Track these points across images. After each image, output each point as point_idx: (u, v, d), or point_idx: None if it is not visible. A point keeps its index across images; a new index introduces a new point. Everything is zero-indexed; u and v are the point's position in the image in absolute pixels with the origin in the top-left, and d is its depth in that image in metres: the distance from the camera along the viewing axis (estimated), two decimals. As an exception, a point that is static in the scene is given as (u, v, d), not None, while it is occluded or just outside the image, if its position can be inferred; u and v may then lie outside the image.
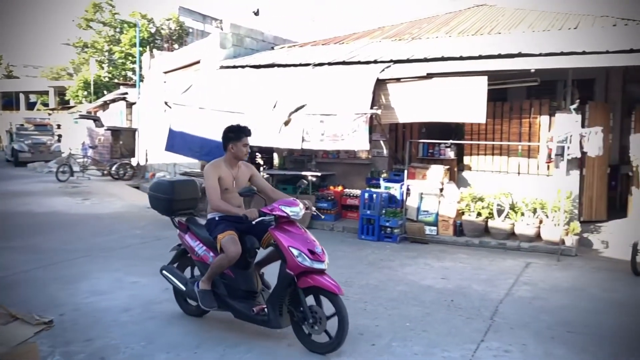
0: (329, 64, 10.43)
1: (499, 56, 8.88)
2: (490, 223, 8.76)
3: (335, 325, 4.09)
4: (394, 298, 5.87)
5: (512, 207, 8.79)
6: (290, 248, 4.08)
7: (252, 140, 9.64)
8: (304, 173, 10.66)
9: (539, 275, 6.89)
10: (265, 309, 4.31)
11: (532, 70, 8.42)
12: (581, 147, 8.45)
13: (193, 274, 5.04)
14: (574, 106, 8.68)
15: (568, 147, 8.41)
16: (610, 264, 7.53)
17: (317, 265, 4.08)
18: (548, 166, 9.20)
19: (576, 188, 8.83)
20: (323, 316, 4.13)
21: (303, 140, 9.18)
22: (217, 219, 4.56)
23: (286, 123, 9.33)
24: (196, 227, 4.81)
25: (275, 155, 12.30)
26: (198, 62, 13.28)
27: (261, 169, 11.81)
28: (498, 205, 8.80)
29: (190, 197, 5.14)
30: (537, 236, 8.46)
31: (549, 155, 8.93)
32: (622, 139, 10.34)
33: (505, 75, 8.93)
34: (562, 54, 8.41)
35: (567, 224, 8.24)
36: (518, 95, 10.60)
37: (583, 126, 8.79)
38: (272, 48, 13.56)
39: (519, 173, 9.54)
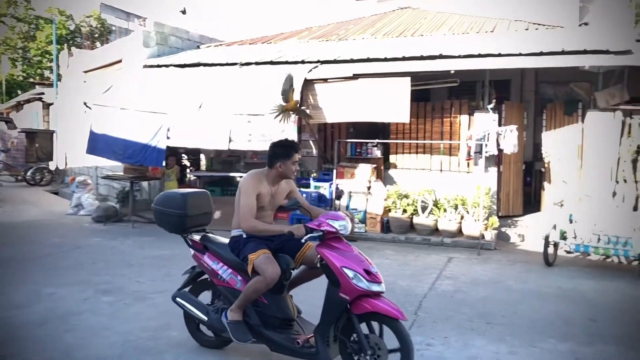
0: (257, 63, 10.35)
1: (421, 58, 9.16)
2: (415, 219, 9.03)
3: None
4: (321, 297, 5.89)
5: (436, 204, 9.10)
6: (343, 269, 3.51)
7: (177, 142, 9.66)
8: (232, 174, 10.53)
9: (461, 269, 7.17)
10: (310, 340, 3.73)
11: (452, 72, 8.76)
12: (498, 144, 8.89)
13: (213, 301, 4.33)
14: (491, 106, 9.11)
15: (486, 145, 8.83)
16: (525, 256, 7.97)
17: (375, 288, 3.51)
18: (468, 163, 9.60)
19: (494, 184, 9.28)
20: (384, 347, 3.54)
21: (230, 140, 9.06)
22: (244, 236, 3.98)
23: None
24: (216, 246, 4.16)
25: (202, 156, 12.06)
26: (120, 61, 12.78)
27: (188, 170, 11.55)
28: (422, 202, 9.08)
29: (205, 211, 4.41)
30: (459, 231, 8.81)
31: (469, 153, 9.32)
32: (536, 137, 10.97)
33: (428, 76, 9.23)
34: (479, 55, 8.80)
35: (487, 219, 8.64)
36: (440, 96, 11.00)
37: (500, 125, 9.25)
38: (198, 47, 13.29)
39: (441, 170, 9.89)
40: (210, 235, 4.31)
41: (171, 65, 11.09)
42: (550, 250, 7.34)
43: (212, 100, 9.52)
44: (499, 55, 8.71)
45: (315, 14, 15.76)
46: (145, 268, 7.05)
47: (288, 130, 8.92)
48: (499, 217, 9.13)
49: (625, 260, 7.28)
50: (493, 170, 9.32)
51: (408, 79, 8.87)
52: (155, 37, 12.21)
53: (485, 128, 9.00)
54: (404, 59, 9.26)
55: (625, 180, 8.67)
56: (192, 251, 4.28)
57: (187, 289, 4.39)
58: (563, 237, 7.42)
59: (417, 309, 5.54)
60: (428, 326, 5.05)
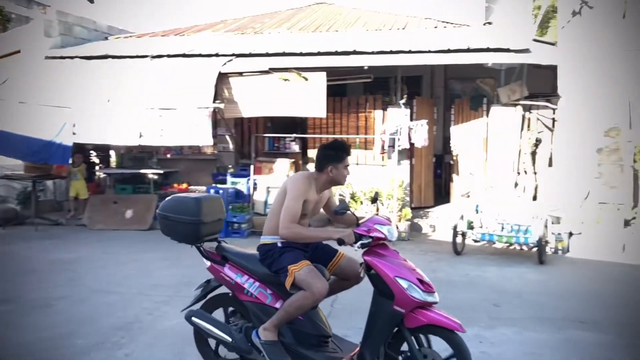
0: (169, 56, 10.00)
1: (336, 53, 9.27)
2: (334, 213, 9.12)
3: None
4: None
5: (353, 197, 9.26)
6: (397, 279, 3.21)
7: (83, 138, 9.15)
8: (143, 171, 10.13)
9: (376, 260, 7.34)
10: (354, 358, 3.45)
11: (366, 67, 8.95)
12: (410, 138, 9.18)
13: (228, 319, 3.86)
14: (403, 101, 9.38)
15: (398, 139, 9.09)
16: (436, 246, 8.30)
17: (430, 299, 3.23)
18: (383, 157, 9.84)
19: (407, 177, 9.59)
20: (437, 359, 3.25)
21: (140, 136, 8.71)
22: (279, 245, 3.54)
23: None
24: (237, 256, 3.72)
25: (112, 152, 11.51)
26: (18, 51, 11.86)
27: (97, 168, 10.98)
28: (339, 195, 9.20)
29: (218, 217, 3.93)
30: (375, 223, 9.00)
31: (383, 147, 9.56)
32: (445, 131, 11.44)
33: (343, 71, 9.36)
34: (391, 52, 9.05)
35: (400, 210, 8.91)
36: (356, 91, 11.19)
37: (411, 119, 9.55)
38: (106, 38, 12.61)
39: (357, 164, 10.07)
40: (226, 244, 3.85)
41: (76, 57, 10.45)
42: (459, 239, 7.69)
43: (121, 94, 9.10)
44: (410, 52, 9.00)
45: (230, 7, 15.48)
46: (48, 274, 6.61)
47: (202, 124, 8.71)
48: (411, 208, 9.45)
49: (526, 247, 7.76)
50: (406, 163, 9.62)
51: (324, 74, 8.96)
52: (58, 26, 11.45)
53: (398, 123, 9.26)
54: (319, 54, 9.33)
55: (525, 172, 9.27)
56: (208, 263, 3.77)
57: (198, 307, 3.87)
58: (470, 226, 7.80)
59: (334, 302, 5.58)
60: (344, 318, 5.11)
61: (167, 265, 6.99)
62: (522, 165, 9.30)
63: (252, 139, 9.87)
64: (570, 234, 7.94)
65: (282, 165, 9.56)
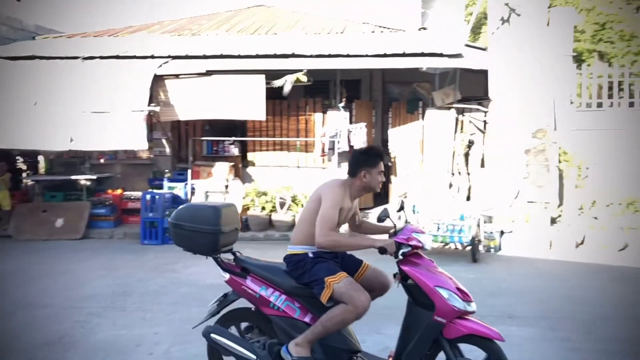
0: (101, 57, 9.65)
1: (275, 56, 9.26)
2: (274, 216, 9.11)
3: None
4: (176, 302, 5.70)
5: (294, 200, 9.26)
6: (437, 289, 3.12)
7: (7, 143, 8.65)
8: (75, 177, 9.72)
9: (317, 262, 7.36)
10: None
11: (305, 70, 8.99)
12: (349, 141, 9.30)
13: (243, 336, 3.61)
14: (342, 104, 9.49)
15: (338, 142, 9.19)
16: (376, 246, 8.41)
17: (470, 308, 3.15)
18: (323, 159, 9.91)
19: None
20: None
21: (71, 140, 8.36)
22: (311, 255, 3.38)
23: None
24: (260, 268, 3.49)
25: (41, 158, 10.97)
26: None
27: (24, 175, 10.44)
28: (280, 198, 9.18)
29: (235, 227, 3.70)
30: (316, 226, 9.04)
31: (323, 150, 9.63)
32: (384, 134, 11.63)
33: (283, 74, 9.36)
34: (330, 56, 9.13)
35: (341, 212, 8.98)
36: (296, 94, 11.19)
37: (351, 122, 9.68)
38: (34, 38, 12.03)
39: (298, 167, 10.09)
40: (242, 255, 3.63)
41: (0, 57, 9.90)
42: (397, 239, 7.82)
43: (50, 96, 8.71)
44: (348, 56, 9.13)
45: (168, 8, 15.12)
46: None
47: (137, 128, 8.46)
48: (352, 210, 9.53)
49: (461, 246, 8.01)
50: (346, 165, 9.69)
51: (262, 76, 8.93)
52: (-21, 24, 10.81)
53: (337, 125, 9.36)
54: (258, 56, 9.28)
55: (459, 173, 9.59)
56: (226, 276, 3.53)
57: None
58: (408, 226, 7.96)
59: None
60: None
61: (102, 275, 6.73)
62: (456, 166, 9.62)
63: (189, 143, 9.69)
64: (502, 233, 8.27)
65: (221, 169, 9.44)
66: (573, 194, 8.71)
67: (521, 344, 4.45)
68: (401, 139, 10.36)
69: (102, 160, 10.54)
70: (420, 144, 10.06)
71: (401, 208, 3.64)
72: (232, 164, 9.85)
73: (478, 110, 9.57)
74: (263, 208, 9.12)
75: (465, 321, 3.13)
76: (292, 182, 9.62)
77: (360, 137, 9.29)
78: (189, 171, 9.31)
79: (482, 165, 9.50)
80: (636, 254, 7.82)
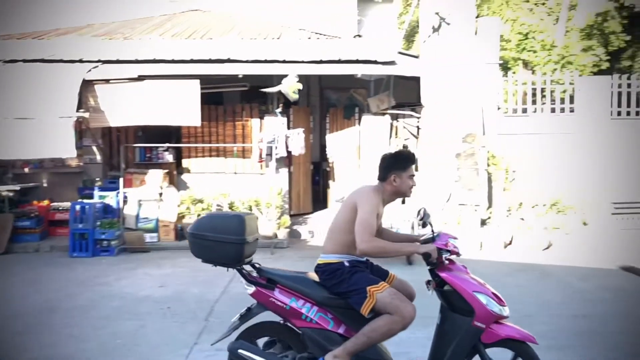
0: (25, 61, 9.17)
1: (210, 61, 9.14)
2: (211, 224, 8.95)
3: None
4: (107, 316, 5.49)
5: (231, 207, 9.15)
6: (476, 294, 3.15)
7: None
8: (-4, 187, 9.17)
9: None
10: None
11: (240, 76, 8.94)
12: (287, 147, 9.30)
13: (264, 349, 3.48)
14: (279, 110, 9.48)
15: (276, 147, 9.17)
16: (315, 251, 8.36)
17: (505, 312, 3.18)
18: (261, 165, 9.84)
19: (286, 184, 9.70)
20: None
21: (-9, 148, 7.89)
22: (347, 264, 3.29)
23: None
24: (287, 279, 3.38)
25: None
26: None
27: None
28: (217, 205, 9.06)
29: (256, 237, 3.59)
30: (254, 232, 8.98)
31: (261, 155, 9.58)
32: (322, 139, 11.73)
33: (219, 79, 9.27)
34: (266, 61, 9.11)
35: (279, 218, 8.97)
36: (233, 100, 11.09)
37: (288, 128, 9.68)
38: (-52, 39, 11.27)
39: (235, 173, 9.98)
40: (263, 266, 3.51)
41: None
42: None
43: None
44: (284, 61, 9.14)
45: (98, 11, 14.59)
46: None
47: (65, 135, 8.10)
48: (290, 215, 9.57)
49: (397, 248, 8.18)
50: (284, 171, 9.72)
51: (197, 81, 8.80)
52: None
53: (275, 131, 9.34)
54: (192, 61, 9.13)
55: (395, 177, 9.78)
56: (251, 288, 3.39)
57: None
58: (345, 231, 8.04)
59: (209, 315, 5.48)
60: (219, 331, 4.97)
61: (28, 292, 6.37)
62: (393, 170, 9.80)
63: (121, 150, 9.38)
64: (435, 234, 8.50)
65: (155, 177, 9.19)
66: (501, 196, 9.10)
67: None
68: (339, 144, 10.49)
69: (26, 170, 9.98)
70: (358, 149, 10.21)
71: (424, 224, 3.51)
72: (167, 171, 9.61)
73: (411, 116, 9.83)
74: (199, 216, 8.95)
75: (500, 325, 3.17)
76: (229, 189, 9.51)
77: (298, 142, 9.32)
78: (121, 179, 8.99)
79: (416, 170, 9.74)
80: (559, 253, 8.27)
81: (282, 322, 3.40)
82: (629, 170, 9.49)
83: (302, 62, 9.14)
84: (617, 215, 9.56)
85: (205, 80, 8.96)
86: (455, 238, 3.32)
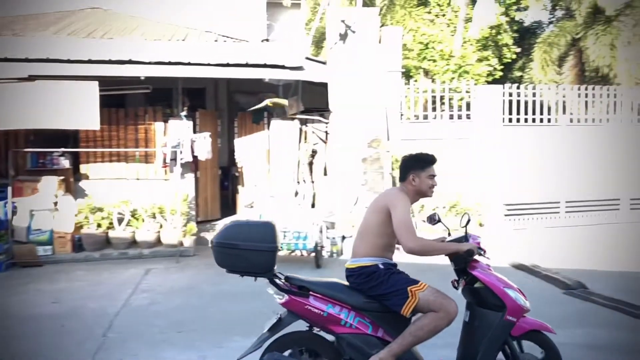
0: None
1: (110, 62, 8.70)
2: (111, 233, 8.51)
3: None
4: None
5: (133, 215, 8.75)
6: (506, 290, 3.33)
7: None
8: None
9: (158, 280, 7.04)
10: None
11: (142, 78, 8.59)
12: (193, 151, 9.05)
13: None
14: (184, 113, 9.22)
15: (181, 152, 8.89)
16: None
17: (528, 306, 3.38)
18: (165, 171, 9.50)
19: (192, 190, 9.43)
20: None
21: None
22: (381, 266, 3.29)
23: None
24: (319, 286, 3.32)
25: None
26: None
27: None
28: (118, 214, 8.62)
29: (279, 245, 3.43)
30: (159, 241, 8.65)
31: (165, 160, 9.25)
32: (231, 143, 11.55)
33: (120, 81, 8.85)
34: (170, 63, 8.82)
35: (185, 225, 8.71)
36: (136, 102, 10.62)
37: (195, 132, 9.43)
38: None
39: (138, 179, 9.53)
40: (292, 275, 3.44)
41: None
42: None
43: None
44: (189, 64, 8.90)
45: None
46: None
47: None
48: (197, 222, 9.32)
49: (306, 253, 8.21)
50: (190, 176, 9.45)
51: (96, 83, 8.35)
52: None
53: (179, 135, 9.06)
54: (90, 62, 8.64)
55: (304, 181, 9.87)
56: (283, 297, 3.30)
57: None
58: (254, 236, 7.95)
59: (107, 330, 5.18)
60: (117, 346, 4.76)
61: None
62: (301, 175, 9.89)
63: (9, 155, 8.67)
64: (343, 238, 8.66)
65: (49, 184, 8.56)
66: (405, 198, 9.42)
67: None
68: (248, 148, 10.38)
69: None
70: (267, 153, 10.17)
71: (467, 223, 3.62)
72: (62, 177, 8.97)
73: (320, 121, 9.94)
74: (99, 225, 8.47)
75: (524, 319, 3.37)
76: (132, 196, 9.06)
77: (204, 147, 9.10)
78: (9, 188, 8.29)
79: (325, 174, 9.88)
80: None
81: (307, 330, 3.39)
82: (519, 173, 10.21)
83: (209, 65, 8.95)
84: (510, 216, 10.26)
85: (105, 82, 8.52)
86: (479, 237, 3.54)
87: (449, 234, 3.62)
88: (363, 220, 3.52)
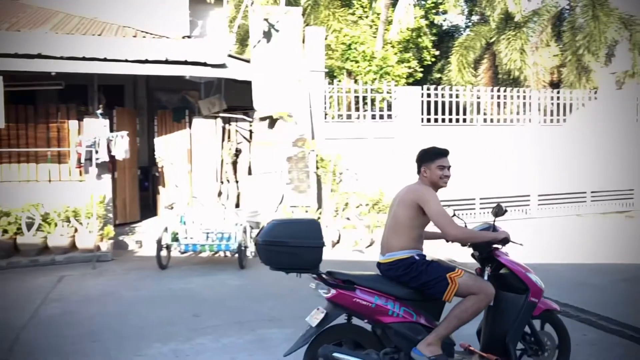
0: None
1: (17, 55, 8.14)
2: (20, 239, 7.96)
3: None
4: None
5: (45, 219, 8.24)
6: (528, 274, 3.67)
7: None
8: None
9: (72, 287, 6.67)
10: (490, 357, 3.56)
11: (53, 73, 8.13)
12: (109, 151, 8.66)
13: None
14: (100, 111, 8.80)
15: (97, 152, 8.48)
16: (142, 262, 7.99)
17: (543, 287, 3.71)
18: (80, 172, 9.01)
19: (109, 192, 9.02)
20: (553, 339, 3.80)
21: None
22: (417, 257, 3.52)
23: None
24: (362, 279, 3.50)
25: None
26: None
27: None
28: (27, 218, 8.09)
29: None
30: (73, 246, 8.21)
31: (79, 161, 8.78)
32: (150, 142, 11.18)
33: (29, 76, 8.32)
34: (84, 59, 8.39)
35: (102, 229, 8.32)
36: (49, 99, 10.02)
37: (112, 131, 9.03)
38: None
39: (50, 181, 8.99)
40: (334, 270, 3.54)
41: None
42: (164, 253, 7.56)
43: None
44: (105, 60, 8.51)
45: None
46: None
47: None
48: (116, 225, 8.95)
49: (230, 254, 8.07)
50: (107, 177, 9.04)
51: (0, 77, 7.76)
52: None
53: (95, 134, 8.64)
54: (-6, 55, 8.04)
55: (228, 180, 9.74)
56: (332, 292, 3.39)
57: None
58: (175, 238, 7.75)
59: (13, 345, 4.84)
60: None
61: None
62: (225, 174, 9.74)
63: None
64: (268, 238, 8.59)
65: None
66: (329, 197, 9.53)
67: (279, 345, 4.66)
68: (168, 148, 10.09)
69: None
70: (189, 153, 9.92)
71: (501, 213, 3.82)
72: (-39, 179, 8.33)
73: (244, 120, 9.83)
74: (5, 231, 7.91)
75: (541, 299, 3.71)
76: (43, 199, 8.53)
77: (122, 146, 8.71)
78: None
79: (250, 173, 9.79)
80: (379, 249, 8.91)
81: (347, 322, 3.55)
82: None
83: (126, 61, 8.60)
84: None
85: (12, 76, 7.97)
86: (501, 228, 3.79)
87: (493, 222, 3.84)
88: (391, 217, 3.71)
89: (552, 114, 11.91)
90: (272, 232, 3.45)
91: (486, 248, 3.69)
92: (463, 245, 3.71)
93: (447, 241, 3.66)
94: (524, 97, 11.71)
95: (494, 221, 3.81)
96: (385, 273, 3.59)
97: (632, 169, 12.46)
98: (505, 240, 3.64)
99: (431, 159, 3.70)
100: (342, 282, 3.47)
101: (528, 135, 11.67)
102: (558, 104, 11.94)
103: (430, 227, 3.68)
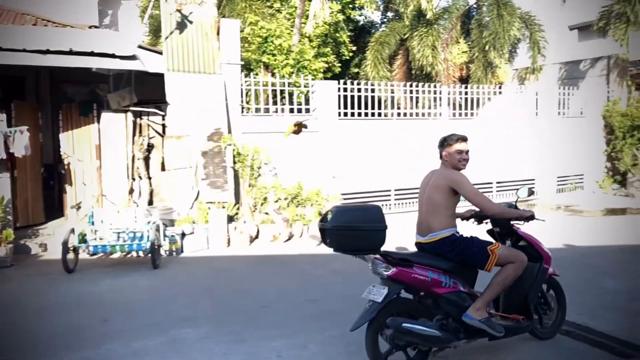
0: None
1: None
2: None
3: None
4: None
5: None
6: (540, 245, 4.26)
7: None
8: None
9: (-36, 297, 6.15)
10: (515, 317, 4.07)
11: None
12: (7, 147, 8.05)
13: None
14: (-5, 105, 8.16)
15: (-7, 149, 7.86)
16: (47, 267, 7.48)
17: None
18: (-26, 171, 8.33)
19: (8, 192, 8.38)
20: (553, 299, 4.42)
21: None
22: (457, 234, 3.93)
23: None
24: (415, 257, 3.88)
25: None
26: None
27: None
28: None
29: None
30: (-33, 251, 7.56)
31: (-31, 160, 8.09)
32: (56, 138, 10.51)
33: None
34: (-26, 47, 7.72)
35: (0, 232, 7.73)
36: None
37: (9, 126, 8.39)
38: None
39: None
40: (389, 250, 3.84)
41: None
42: (71, 255, 7.14)
43: None
44: (1, 49, 7.88)
45: None
46: None
47: None
48: (16, 228, 8.35)
49: (143, 254, 7.74)
50: (5, 176, 8.39)
51: None
52: None
53: (-10, 130, 7.99)
54: None
55: (140, 177, 9.36)
56: (392, 270, 3.70)
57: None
58: (83, 240, 7.34)
59: None
60: None
61: None
62: (137, 170, 9.35)
63: None
64: (183, 235, 8.37)
65: None
66: (247, 192, 9.42)
67: (192, 345, 4.56)
68: (75, 143, 9.52)
69: None
70: (97, 148, 9.41)
71: (531, 193, 4.64)
72: None
73: (156, 113, 9.49)
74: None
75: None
76: None
77: (21, 142, 8.09)
78: None
79: (163, 169, 9.48)
80: (298, 243, 8.96)
81: (398, 297, 3.77)
82: (352, 165, 10.72)
83: (24, 50, 8.02)
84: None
85: None
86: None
87: (516, 202, 4.48)
88: (426, 201, 4.02)
89: (461, 108, 12.45)
90: (341, 218, 3.67)
91: (507, 224, 4.19)
92: (479, 223, 4.31)
93: (482, 218, 4.25)
94: (435, 92, 12.15)
95: (516, 201, 4.45)
96: (431, 251, 3.93)
97: (534, 160, 13.30)
98: (531, 217, 4.08)
99: (449, 144, 4.05)
100: (399, 260, 3.79)
101: (440, 128, 12.12)
102: (467, 99, 12.51)
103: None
